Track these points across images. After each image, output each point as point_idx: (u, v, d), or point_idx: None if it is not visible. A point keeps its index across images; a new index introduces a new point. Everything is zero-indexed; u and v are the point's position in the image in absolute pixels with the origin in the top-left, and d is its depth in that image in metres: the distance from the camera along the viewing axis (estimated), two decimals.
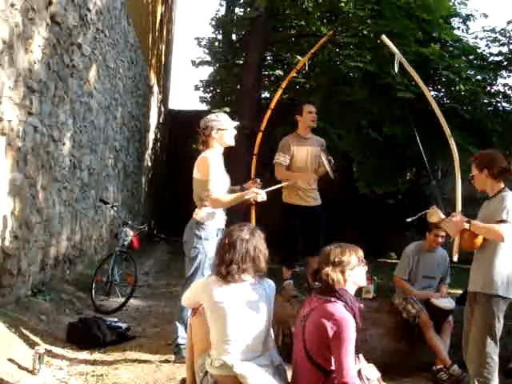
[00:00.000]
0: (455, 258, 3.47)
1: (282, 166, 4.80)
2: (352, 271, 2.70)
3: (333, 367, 2.55)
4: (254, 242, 2.83)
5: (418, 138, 4.36)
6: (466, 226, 3.30)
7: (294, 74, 5.35)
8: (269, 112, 4.94)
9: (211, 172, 3.74)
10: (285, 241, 4.83)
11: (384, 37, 4.33)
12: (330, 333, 2.51)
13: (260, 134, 4.90)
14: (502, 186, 3.40)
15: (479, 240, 3.32)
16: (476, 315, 3.33)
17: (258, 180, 4.12)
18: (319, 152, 4.83)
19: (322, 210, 4.91)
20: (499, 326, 3.28)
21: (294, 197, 4.80)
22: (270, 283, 2.87)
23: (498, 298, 3.26)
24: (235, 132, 3.99)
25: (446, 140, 3.87)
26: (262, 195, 3.78)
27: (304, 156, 4.81)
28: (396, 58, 4.14)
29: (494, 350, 3.25)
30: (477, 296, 3.35)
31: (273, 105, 4.98)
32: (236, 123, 3.99)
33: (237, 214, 4.54)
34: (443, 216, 3.55)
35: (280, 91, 5.11)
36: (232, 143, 3.99)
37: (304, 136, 4.88)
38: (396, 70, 4.07)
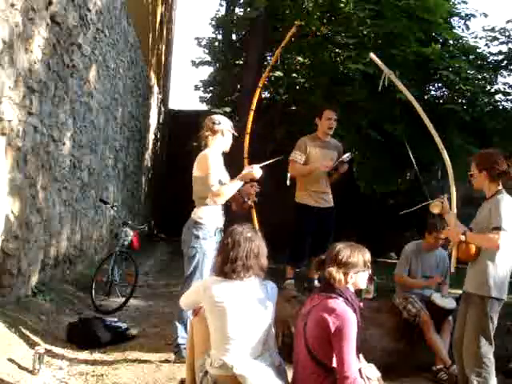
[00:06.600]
0: (453, 270, 3.50)
1: (296, 163, 4.83)
2: (355, 275, 2.71)
3: (334, 364, 2.54)
4: (257, 240, 2.85)
5: (408, 148, 4.39)
6: (462, 238, 3.31)
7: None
8: (251, 113, 4.95)
9: (211, 167, 3.76)
10: (294, 240, 4.84)
11: (372, 54, 4.34)
12: (332, 327, 2.51)
13: (247, 137, 4.88)
14: (499, 187, 3.37)
15: (473, 250, 3.31)
16: (470, 316, 3.35)
17: (255, 183, 4.11)
18: (334, 155, 4.85)
19: (332, 213, 4.93)
20: (493, 327, 3.29)
21: (306, 197, 4.83)
22: (273, 285, 2.87)
23: (491, 300, 3.27)
24: None
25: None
26: (256, 171, 3.83)
27: (318, 158, 4.83)
28: (383, 75, 4.15)
29: (489, 350, 3.28)
30: (471, 297, 3.36)
31: (254, 106, 5.00)
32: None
33: (239, 217, 4.51)
34: (448, 208, 3.53)
35: (259, 90, 5.14)
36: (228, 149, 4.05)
37: (321, 138, 4.90)
38: (379, 88, 4.07)
